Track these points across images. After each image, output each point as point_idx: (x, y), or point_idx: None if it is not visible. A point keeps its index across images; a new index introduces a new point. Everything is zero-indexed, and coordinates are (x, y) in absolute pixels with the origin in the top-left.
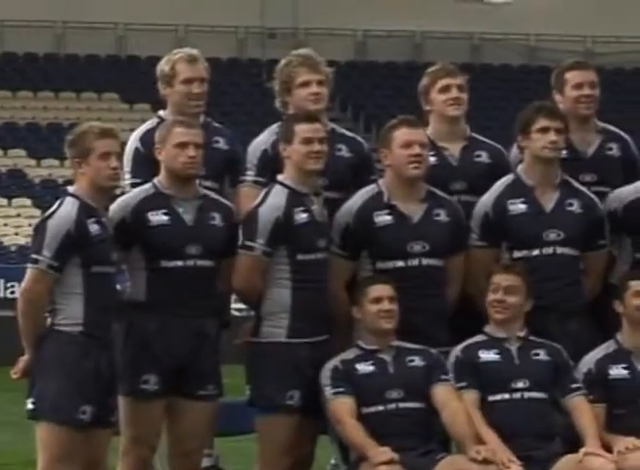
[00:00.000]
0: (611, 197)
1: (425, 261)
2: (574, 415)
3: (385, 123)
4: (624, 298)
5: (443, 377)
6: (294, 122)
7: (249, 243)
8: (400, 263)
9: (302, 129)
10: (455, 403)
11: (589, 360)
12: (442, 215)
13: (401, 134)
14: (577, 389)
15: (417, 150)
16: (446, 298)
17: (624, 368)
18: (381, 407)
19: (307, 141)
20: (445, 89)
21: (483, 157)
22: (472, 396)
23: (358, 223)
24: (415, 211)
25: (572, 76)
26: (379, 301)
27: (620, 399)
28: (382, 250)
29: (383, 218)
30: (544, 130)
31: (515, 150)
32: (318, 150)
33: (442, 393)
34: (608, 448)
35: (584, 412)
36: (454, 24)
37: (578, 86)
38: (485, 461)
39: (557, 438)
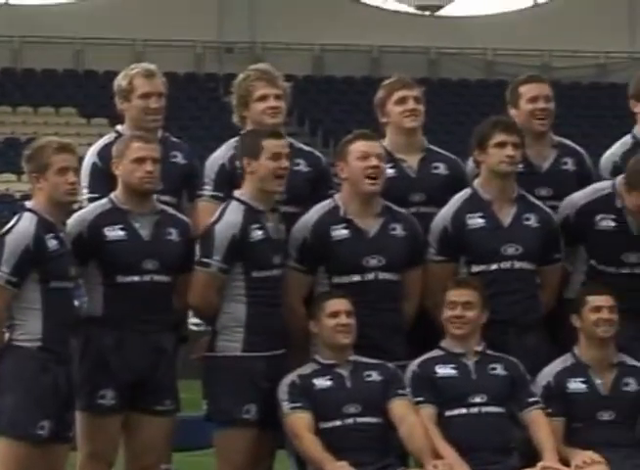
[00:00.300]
0: (563, 204)
1: (381, 276)
2: (532, 429)
3: (342, 138)
4: (582, 312)
5: (401, 392)
6: (261, 138)
7: (205, 260)
8: (357, 278)
9: (272, 145)
10: (412, 418)
11: (547, 374)
12: (399, 230)
13: (357, 147)
14: (535, 403)
15: (374, 162)
16: (403, 312)
17: (582, 382)
18: (338, 422)
19: (276, 157)
20: (402, 101)
21: (441, 168)
22: (429, 410)
23: (315, 238)
24: (371, 225)
25: (527, 90)
26: (336, 315)
27: (579, 414)
28: (338, 264)
29: (339, 233)
30: (501, 145)
31: (471, 164)
32: (285, 166)
33: (400, 407)
34: (566, 463)
35: (542, 426)
36: (411, 39)
37: (533, 100)
38: None
39: (514, 452)
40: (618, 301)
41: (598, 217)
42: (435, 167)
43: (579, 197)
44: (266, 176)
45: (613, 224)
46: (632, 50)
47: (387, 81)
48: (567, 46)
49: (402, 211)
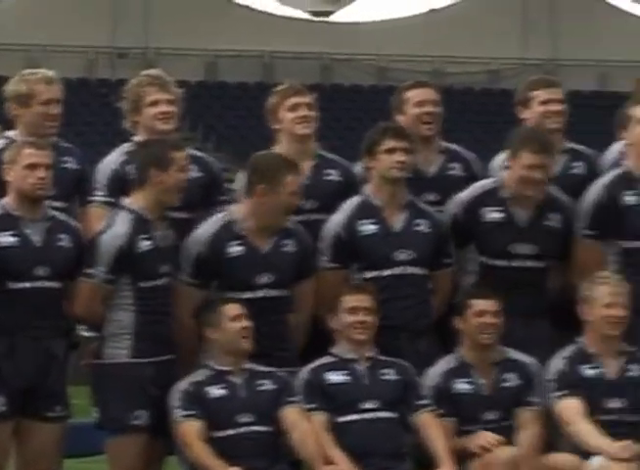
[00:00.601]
0: (449, 204)
1: (270, 293)
2: (423, 431)
3: (236, 143)
4: (466, 315)
5: (292, 399)
6: (170, 150)
7: (89, 270)
8: (248, 295)
9: (180, 157)
10: (305, 425)
11: (433, 375)
12: (290, 246)
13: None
14: (425, 405)
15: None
16: (294, 323)
17: (467, 383)
18: (231, 431)
19: (183, 169)
20: (294, 108)
21: (334, 175)
22: (320, 417)
23: (210, 253)
24: (265, 241)
25: (414, 95)
26: (239, 318)
27: (466, 414)
28: (231, 281)
29: (233, 249)
30: (391, 151)
31: (359, 169)
32: (186, 178)
33: (292, 415)
34: (462, 452)
35: (433, 428)
36: (304, 45)
37: (420, 104)
38: None
39: (407, 457)
40: (511, 297)
41: (484, 210)
42: (328, 174)
43: (465, 194)
44: (172, 188)
45: (499, 216)
46: (523, 56)
47: (279, 88)
48: (459, 52)
49: (294, 226)
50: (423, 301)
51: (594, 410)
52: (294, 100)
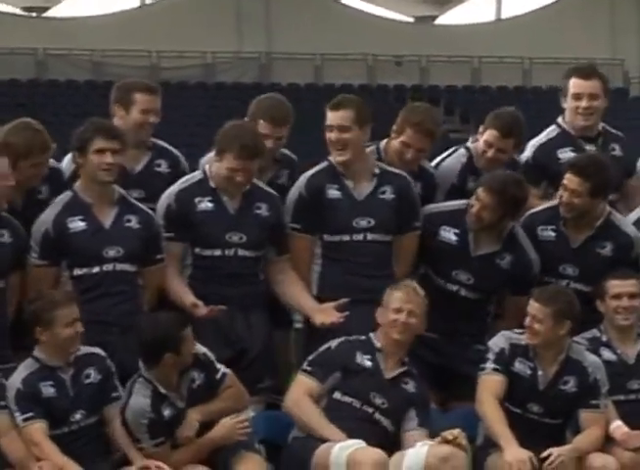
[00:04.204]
0: (162, 198)
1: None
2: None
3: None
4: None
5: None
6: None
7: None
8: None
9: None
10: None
11: None
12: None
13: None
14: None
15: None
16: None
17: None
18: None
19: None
20: None
21: (163, 166)
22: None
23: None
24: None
25: (141, 100)
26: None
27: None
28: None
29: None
30: (101, 151)
31: (68, 161)
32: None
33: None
34: None
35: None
36: (18, 40)
37: (145, 112)
38: None
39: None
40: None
41: (197, 200)
42: (158, 165)
43: (175, 186)
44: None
45: (211, 205)
46: (238, 50)
47: None
48: (174, 46)
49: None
50: (133, 296)
51: None
52: None
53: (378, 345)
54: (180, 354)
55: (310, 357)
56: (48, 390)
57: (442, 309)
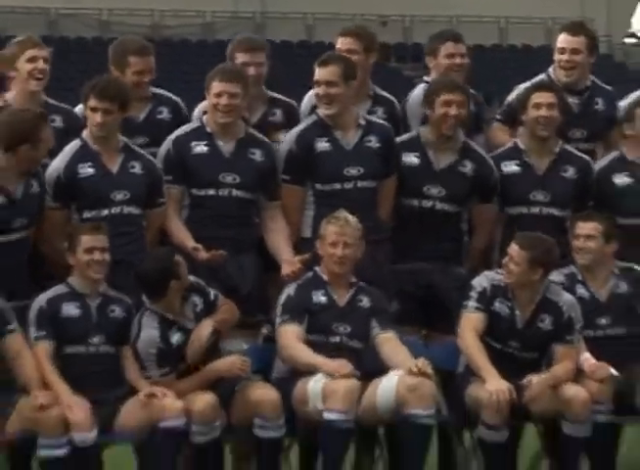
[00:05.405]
0: (163, 144)
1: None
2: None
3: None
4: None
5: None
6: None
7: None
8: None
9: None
10: (27, 352)
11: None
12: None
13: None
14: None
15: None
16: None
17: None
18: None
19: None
20: (33, 60)
21: (165, 113)
22: (46, 346)
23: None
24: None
25: (134, 62)
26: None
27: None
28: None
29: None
30: (94, 110)
31: (80, 110)
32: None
33: (16, 342)
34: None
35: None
36: (33, 2)
37: (139, 73)
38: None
39: (125, 384)
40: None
41: (193, 144)
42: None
43: (176, 133)
44: None
45: (206, 149)
46: (235, 9)
47: (18, 39)
48: (175, 6)
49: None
50: (139, 237)
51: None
52: (32, 52)
53: (325, 278)
54: (180, 278)
55: (280, 309)
56: (71, 311)
57: (423, 232)
